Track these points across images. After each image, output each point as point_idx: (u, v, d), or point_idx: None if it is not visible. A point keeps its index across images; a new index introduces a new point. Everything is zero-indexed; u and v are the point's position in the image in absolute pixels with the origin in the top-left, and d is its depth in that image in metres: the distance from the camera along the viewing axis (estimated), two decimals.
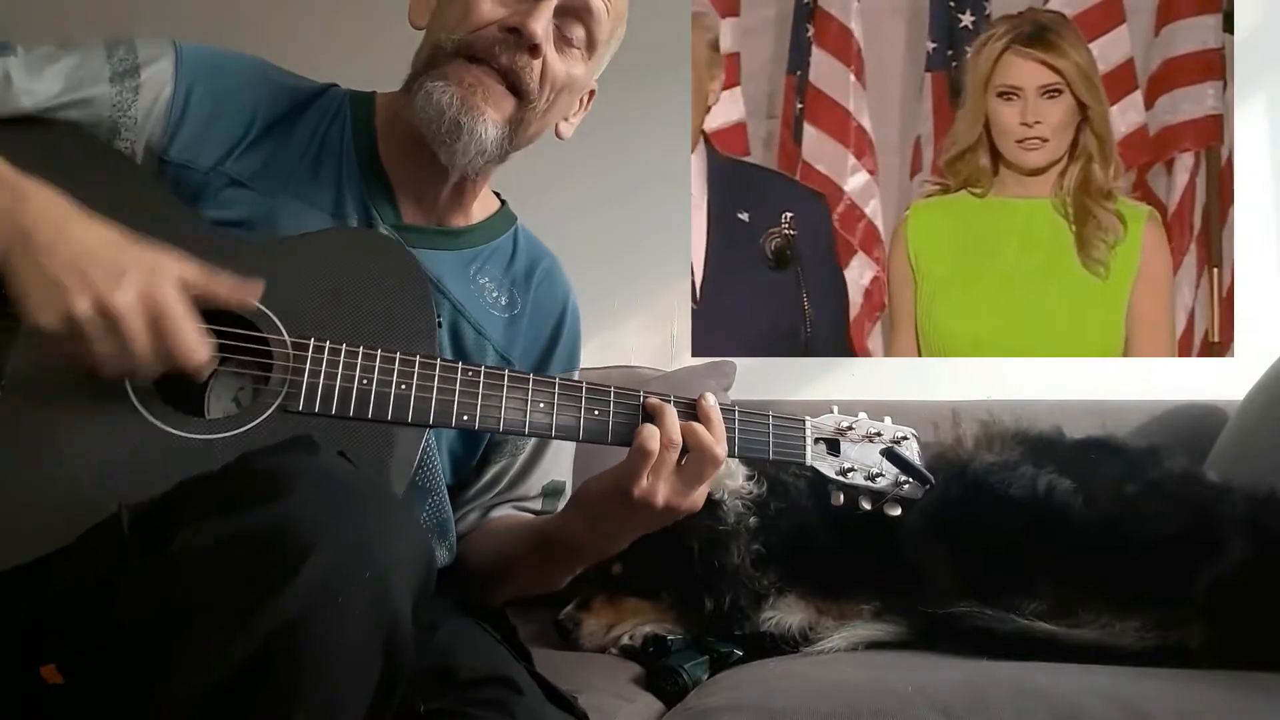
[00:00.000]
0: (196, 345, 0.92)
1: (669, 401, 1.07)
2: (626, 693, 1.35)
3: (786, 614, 1.52)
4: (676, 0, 2.26)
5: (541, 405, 1.05)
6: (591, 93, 1.26)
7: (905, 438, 1.17)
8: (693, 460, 1.05)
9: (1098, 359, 2.12)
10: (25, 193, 0.92)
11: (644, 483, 1.03)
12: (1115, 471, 1.48)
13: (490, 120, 1.10)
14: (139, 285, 0.89)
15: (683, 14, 2.36)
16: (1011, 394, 1.96)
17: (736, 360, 2.14)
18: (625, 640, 1.56)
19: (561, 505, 1.31)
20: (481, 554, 1.23)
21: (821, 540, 1.56)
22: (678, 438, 1.04)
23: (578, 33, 1.13)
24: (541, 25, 1.08)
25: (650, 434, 1.03)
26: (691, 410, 1.08)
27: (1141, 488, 1.44)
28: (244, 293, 0.97)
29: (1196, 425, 1.84)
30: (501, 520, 1.27)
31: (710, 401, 1.08)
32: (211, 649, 0.71)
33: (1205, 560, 1.32)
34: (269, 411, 0.97)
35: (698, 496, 1.07)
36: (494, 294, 1.23)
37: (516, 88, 1.11)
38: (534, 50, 1.09)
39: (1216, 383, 1.92)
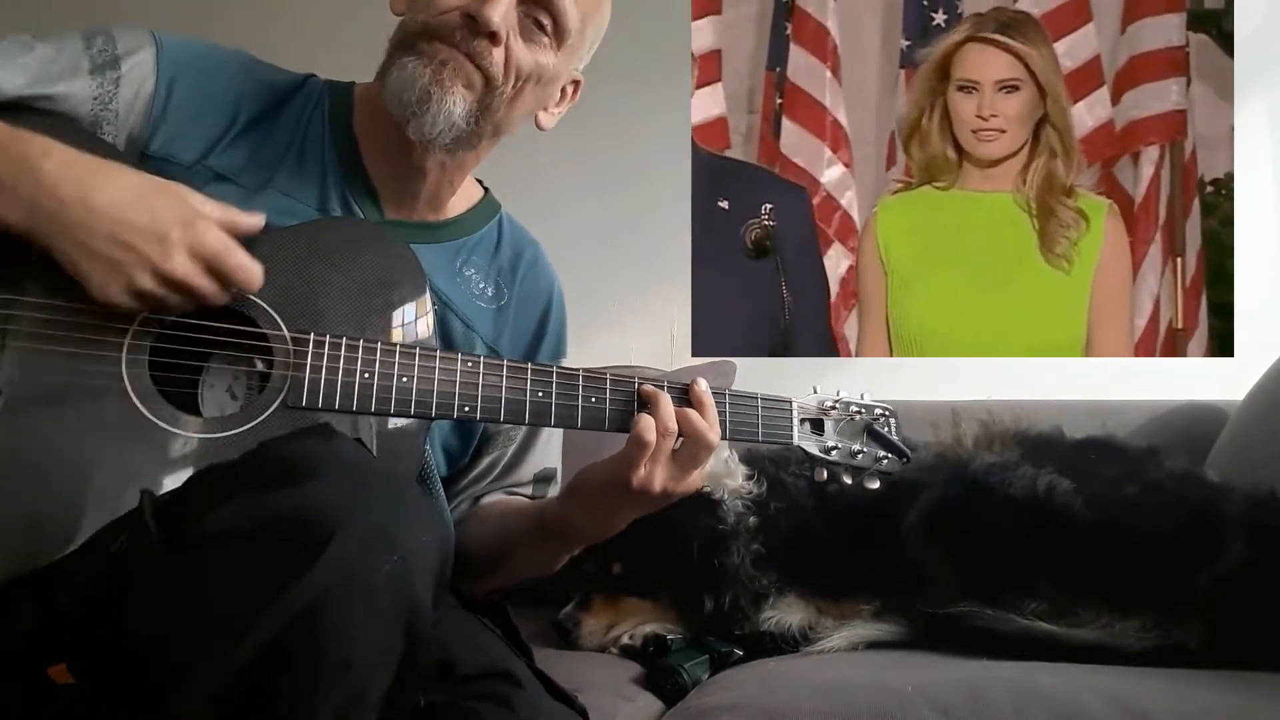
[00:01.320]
0: (254, 271, 0.98)
1: (663, 387, 1.08)
2: (626, 692, 1.35)
3: (786, 614, 1.52)
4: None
5: (540, 394, 1.06)
6: (577, 84, 1.25)
7: (884, 414, 1.21)
8: (687, 445, 1.07)
9: (1097, 359, 2.12)
10: (36, 166, 0.93)
11: (641, 471, 1.05)
12: (1115, 471, 1.48)
13: (460, 95, 1.09)
14: (186, 244, 0.94)
15: (682, 12, 2.36)
16: (1011, 394, 1.96)
17: (736, 360, 2.15)
18: (625, 640, 1.56)
19: (552, 492, 1.32)
20: (477, 539, 1.23)
21: (821, 540, 1.56)
22: (673, 425, 1.06)
23: (545, 21, 1.12)
24: (499, 13, 1.07)
25: (647, 425, 1.05)
26: (684, 396, 1.10)
27: (1141, 488, 1.44)
28: (252, 221, 1.01)
29: (1196, 425, 1.85)
30: (495, 505, 1.28)
31: (703, 387, 1.10)
32: (235, 633, 0.71)
33: (1205, 560, 1.32)
34: (272, 408, 0.97)
35: (693, 480, 1.10)
36: (480, 285, 1.24)
37: (482, 72, 1.11)
38: (493, 38, 1.08)
39: (1216, 383, 1.92)
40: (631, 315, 2.35)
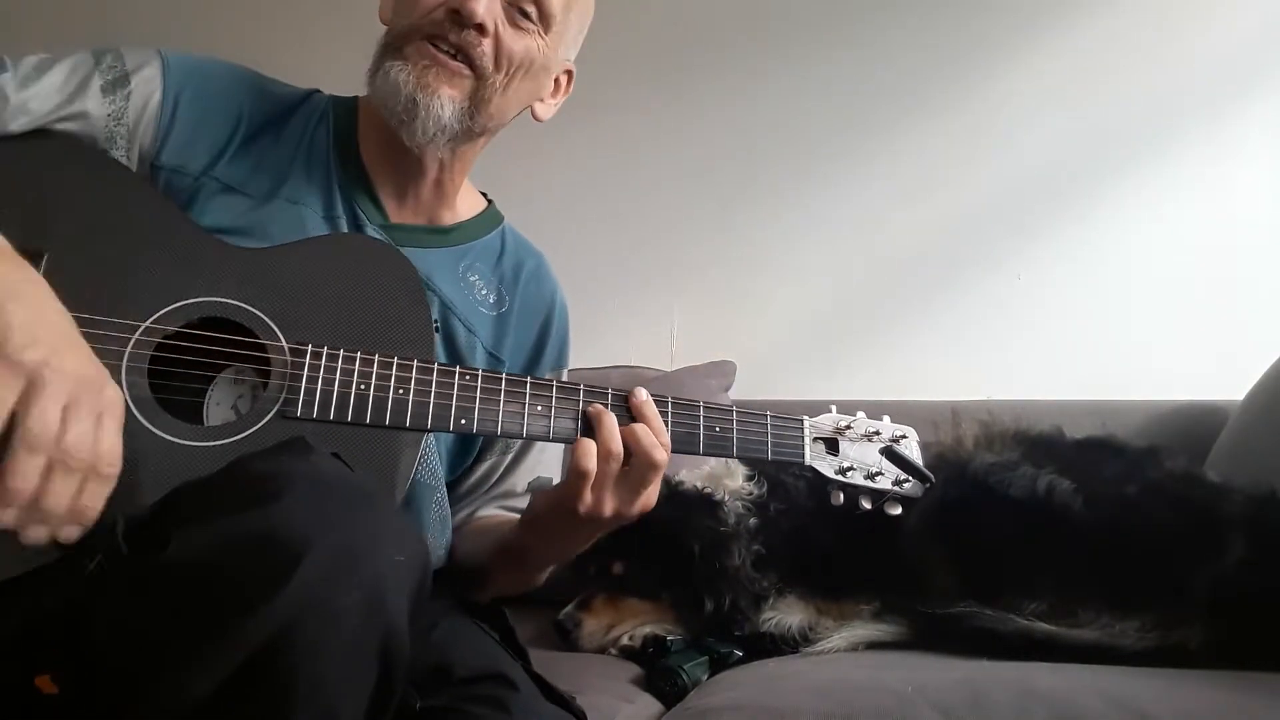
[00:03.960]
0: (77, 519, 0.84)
1: (608, 403, 1.04)
2: (626, 693, 1.35)
3: (786, 614, 1.52)
4: None
5: (539, 408, 1.05)
6: (570, 74, 1.25)
7: (904, 436, 1.17)
8: (635, 467, 1.03)
9: (1097, 359, 2.12)
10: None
11: (588, 498, 1.02)
12: (1115, 471, 1.48)
13: (446, 97, 1.11)
14: (50, 415, 0.81)
15: (685, 13, 2.37)
16: (1011, 394, 1.96)
17: (736, 360, 2.15)
18: (625, 641, 1.56)
19: None
20: (467, 554, 1.24)
21: (821, 541, 1.56)
22: (617, 448, 1.02)
23: (529, 9, 1.13)
24: (482, 5, 1.09)
25: (586, 451, 1.02)
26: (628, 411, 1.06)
27: (1141, 488, 1.43)
28: None
29: (1196, 425, 1.84)
30: (483, 521, 1.28)
31: (641, 398, 1.06)
32: (203, 656, 0.70)
33: (1205, 560, 1.32)
34: (267, 418, 0.97)
35: (648, 498, 1.06)
36: (483, 291, 1.24)
37: (471, 65, 1.12)
38: (480, 29, 1.10)
39: (1216, 383, 1.92)
40: (631, 315, 2.35)
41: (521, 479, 1.29)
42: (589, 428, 1.04)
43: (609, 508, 1.03)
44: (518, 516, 1.29)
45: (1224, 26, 2.17)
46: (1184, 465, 1.53)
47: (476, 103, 1.13)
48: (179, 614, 0.72)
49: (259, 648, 0.70)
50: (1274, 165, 2.16)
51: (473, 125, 1.14)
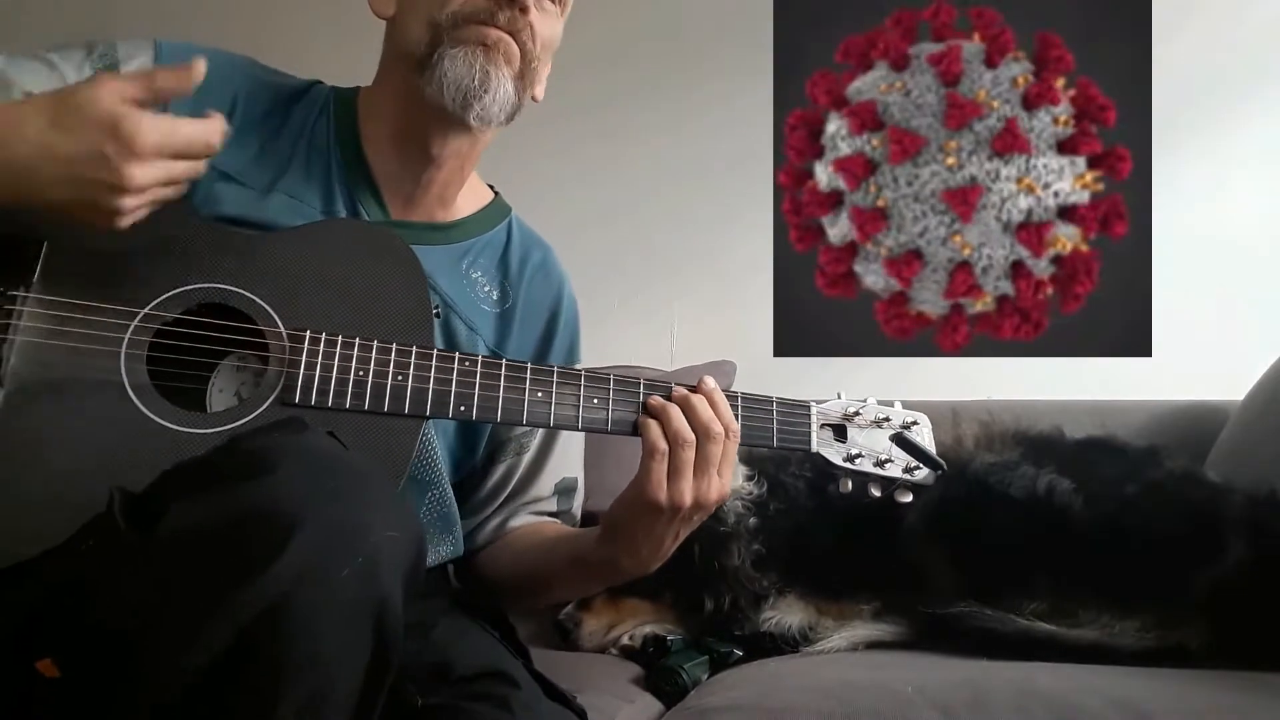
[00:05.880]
0: (209, 129, 0.94)
1: (669, 395, 1.05)
2: (626, 693, 1.35)
3: (786, 614, 1.52)
4: None
5: (539, 395, 1.04)
6: None
7: (915, 422, 1.14)
8: (704, 445, 1.03)
9: (1097, 359, 2.12)
10: None
11: (666, 486, 1.01)
12: (1115, 471, 1.48)
13: (509, 76, 1.11)
14: (127, 152, 0.88)
15: (679, 10, 2.36)
16: (1011, 394, 1.96)
17: (736, 360, 2.15)
18: (625, 640, 1.56)
19: (576, 503, 1.30)
20: (511, 569, 1.23)
21: (821, 540, 1.56)
22: (688, 434, 1.02)
23: None
24: None
25: (656, 432, 1.02)
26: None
27: (1141, 488, 1.43)
28: (185, 73, 0.94)
29: (1196, 425, 1.84)
30: (527, 533, 1.26)
31: (710, 385, 1.05)
32: (199, 627, 0.70)
33: (1205, 560, 1.32)
34: (266, 404, 0.97)
35: (725, 482, 1.04)
36: (485, 288, 1.23)
37: (518, 45, 1.12)
38: (524, 10, 1.11)
39: (1217, 383, 1.92)
40: (631, 315, 2.35)
41: (546, 483, 1.28)
42: (652, 415, 1.03)
43: (689, 495, 1.02)
44: (561, 524, 1.29)
45: (1224, 27, 2.17)
46: (1184, 465, 1.53)
47: (525, 81, 1.14)
48: (174, 586, 0.72)
49: (253, 619, 0.70)
50: (1274, 165, 2.16)
51: (520, 104, 1.15)
